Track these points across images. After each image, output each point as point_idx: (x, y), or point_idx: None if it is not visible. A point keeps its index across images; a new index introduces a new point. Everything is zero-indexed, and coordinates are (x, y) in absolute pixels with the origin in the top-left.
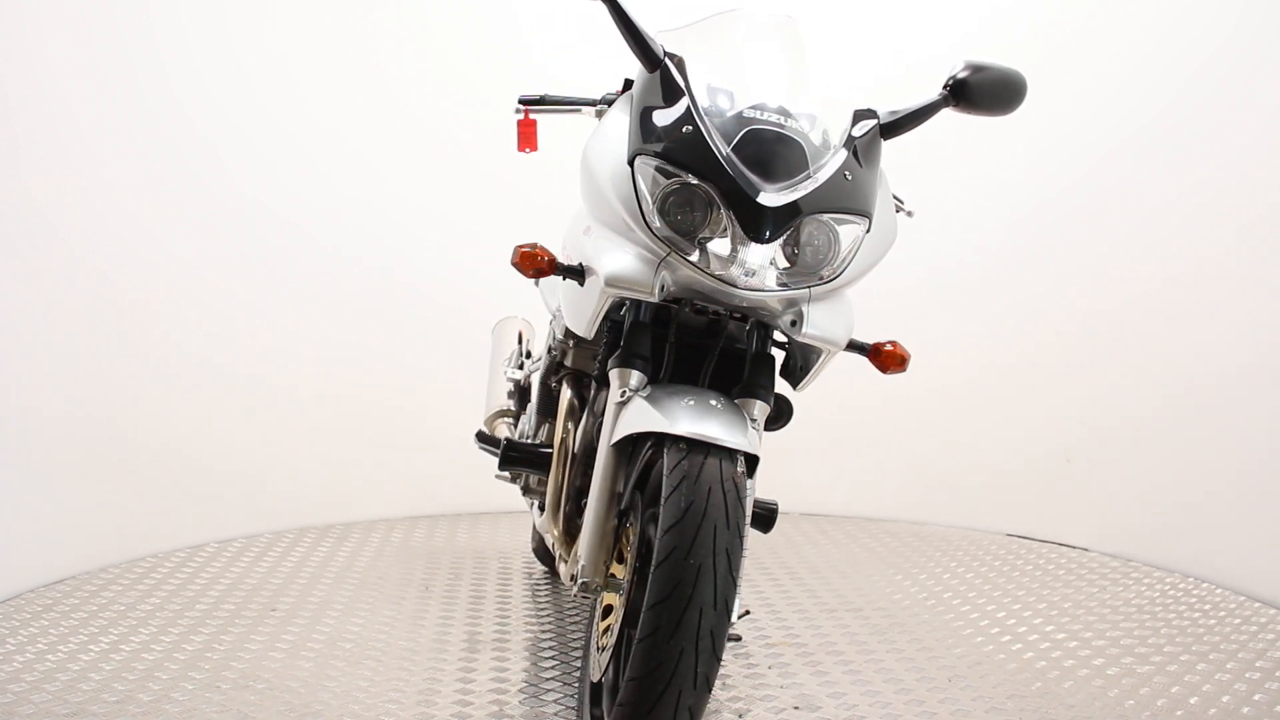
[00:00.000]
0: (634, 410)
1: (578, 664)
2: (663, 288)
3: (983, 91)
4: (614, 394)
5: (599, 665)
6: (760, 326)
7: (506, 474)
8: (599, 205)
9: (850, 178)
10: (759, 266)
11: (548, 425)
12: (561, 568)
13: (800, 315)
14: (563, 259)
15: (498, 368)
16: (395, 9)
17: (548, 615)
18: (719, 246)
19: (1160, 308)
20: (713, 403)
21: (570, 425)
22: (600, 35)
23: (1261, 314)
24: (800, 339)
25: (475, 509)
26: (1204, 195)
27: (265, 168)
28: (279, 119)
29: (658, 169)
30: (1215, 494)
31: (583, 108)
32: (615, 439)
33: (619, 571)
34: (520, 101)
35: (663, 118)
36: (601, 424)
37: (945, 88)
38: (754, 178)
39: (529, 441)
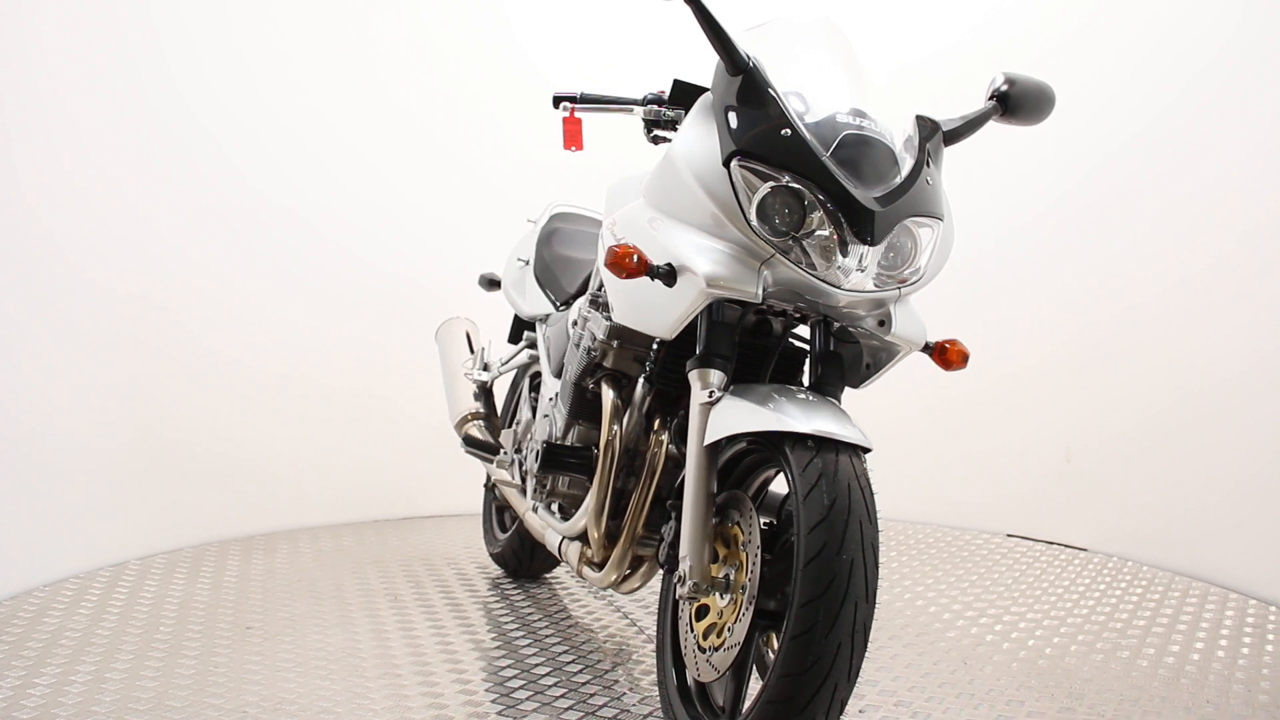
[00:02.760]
0: (732, 409)
1: (604, 667)
2: (764, 288)
3: (1023, 102)
4: (699, 394)
5: (710, 666)
6: (823, 326)
7: (520, 480)
8: (682, 204)
9: (930, 183)
10: (865, 268)
11: (578, 428)
12: (587, 571)
13: (888, 315)
14: (600, 251)
15: (455, 371)
16: (394, 12)
17: (539, 620)
18: (816, 247)
19: (1162, 311)
20: (809, 398)
21: (616, 427)
22: (596, 36)
23: (1263, 316)
24: (889, 339)
25: (391, 515)
26: (1208, 198)
27: (272, 165)
28: (285, 117)
29: (755, 170)
30: (1217, 495)
31: (634, 108)
32: (713, 439)
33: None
34: (558, 98)
35: (755, 120)
36: (644, 425)
37: (992, 98)
38: (854, 181)
39: (565, 444)
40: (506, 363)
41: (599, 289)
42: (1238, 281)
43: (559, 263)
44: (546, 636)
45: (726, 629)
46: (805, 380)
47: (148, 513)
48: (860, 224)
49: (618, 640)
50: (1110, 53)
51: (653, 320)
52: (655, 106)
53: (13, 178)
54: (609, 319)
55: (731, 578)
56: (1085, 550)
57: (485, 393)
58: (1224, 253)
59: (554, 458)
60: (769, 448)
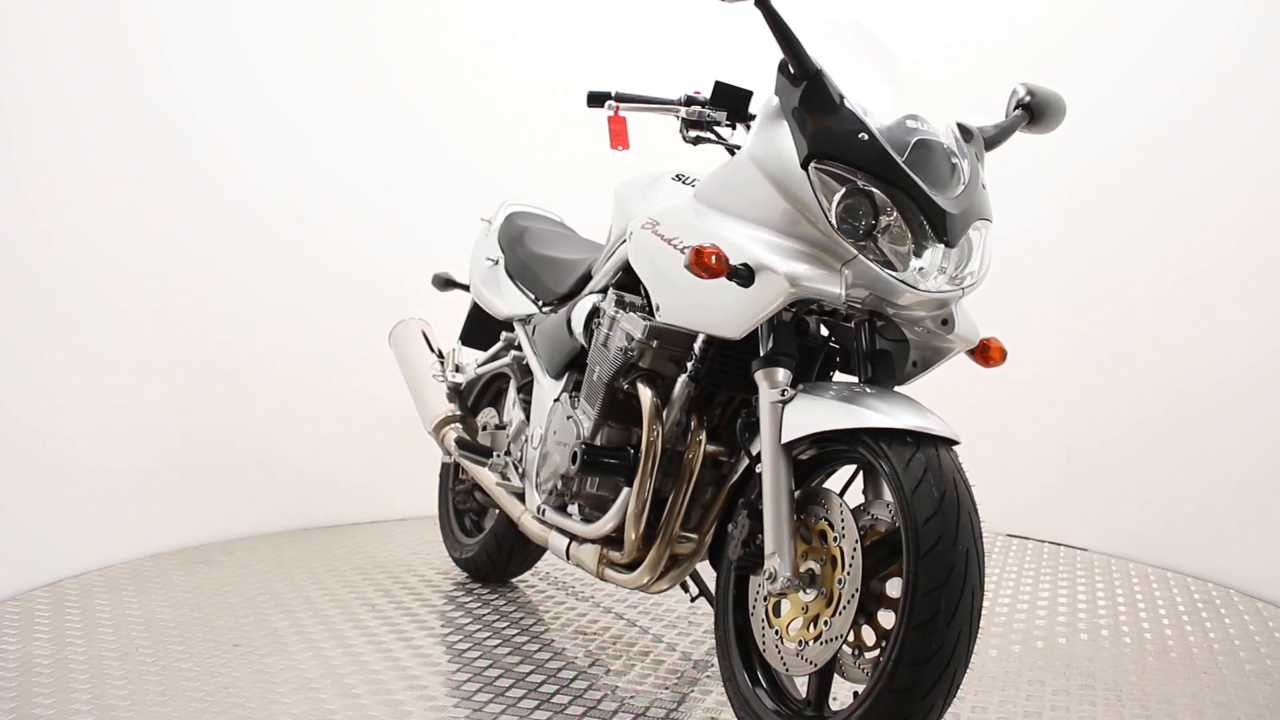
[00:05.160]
0: (811, 408)
1: (632, 670)
2: (845, 288)
3: (1045, 111)
4: (769, 394)
5: (805, 660)
6: (869, 325)
7: (519, 481)
8: (751, 203)
9: (984, 187)
10: (943, 269)
11: (607, 429)
12: (610, 573)
13: (950, 315)
14: (638, 252)
15: (422, 374)
16: (394, 12)
17: (536, 625)
18: (892, 248)
19: (1162, 311)
20: (885, 395)
21: (657, 428)
22: (596, 36)
23: (1263, 316)
24: (951, 338)
25: (318, 523)
26: (1208, 198)
27: (271, 165)
28: (285, 117)
29: (833, 173)
30: (1217, 495)
31: (681, 109)
32: (795, 436)
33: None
34: (597, 96)
35: (829, 124)
36: (683, 425)
37: (1017, 108)
38: (928, 184)
39: (600, 445)
40: (485, 364)
41: (606, 288)
42: (1238, 282)
43: (539, 262)
44: (553, 640)
45: (822, 622)
46: (834, 377)
47: (72, 530)
48: (940, 226)
49: (625, 641)
50: (1110, 53)
51: (718, 320)
52: (698, 107)
53: (13, 178)
54: (646, 319)
55: (816, 572)
56: (1085, 550)
57: (460, 395)
58: (1224, 253)
59: (595, 460)
60: (843, 444)
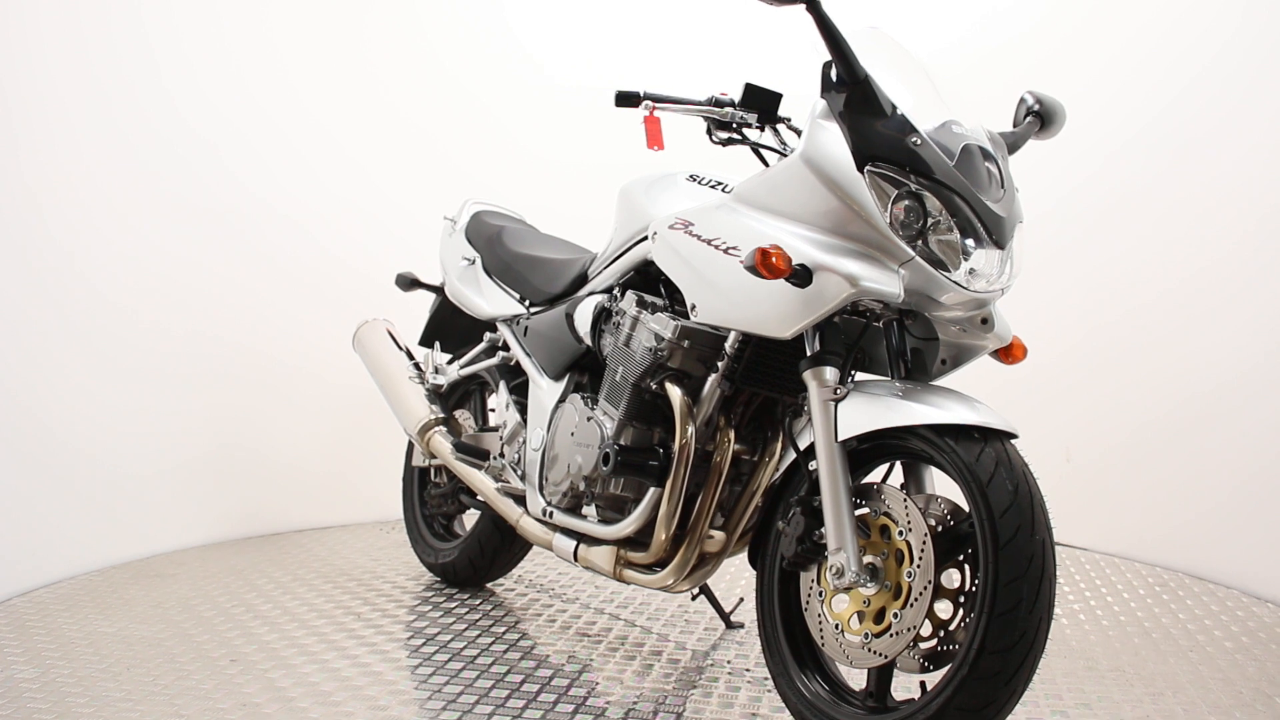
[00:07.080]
0: (868, 405)
1: (652, 670)
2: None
3: (1052, 118)
4: (820, 392)
5: (874, 653)
6: (898, 324)
7: (520, 483)
8: (802, 204)
9: (1019, 190)
10: (994, 270)
11: (631, 429)
12: (630, 573)
13: (990, 315)
14: (668, 252)
15: (398, 376)
16: (390, 13)
17: (535, 629)
18: (944, 250)
19: (1163, 313)
20: (938, 391)
21: (690, 428)
22: (596, 35)
23: (1263, 317)
24: (990, 335)
25: (257, 532)
26: (1208, 200)
27: (268, 169)
28: (280, 121)
29: (888, 176)
30: (1217, 496)
31: (714, 110)
32: (854, 433)
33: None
34: (628, 96)
35: (881, 129)
36: (712, 424)
37: (1027, 115)
38: (979, 188)
39: (629, 446)
40: (468, 365)
41: (611, 288)
42: (1238, 283)
43: (523, 262)
44: (558, 643)
45: (890, 615)
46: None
47: (15, 547)
48: (992, 229)
49: (633, 642)
50: (1110, 53)
51: (766, 319)
52: (731, 109)
53: (15, 178)
54: (676, 319)
55: (878, 566)
56: (1085, 550)
57: (440, 397)
58: (1224, 254)
59: (629, 461)
60: (896, 439)
